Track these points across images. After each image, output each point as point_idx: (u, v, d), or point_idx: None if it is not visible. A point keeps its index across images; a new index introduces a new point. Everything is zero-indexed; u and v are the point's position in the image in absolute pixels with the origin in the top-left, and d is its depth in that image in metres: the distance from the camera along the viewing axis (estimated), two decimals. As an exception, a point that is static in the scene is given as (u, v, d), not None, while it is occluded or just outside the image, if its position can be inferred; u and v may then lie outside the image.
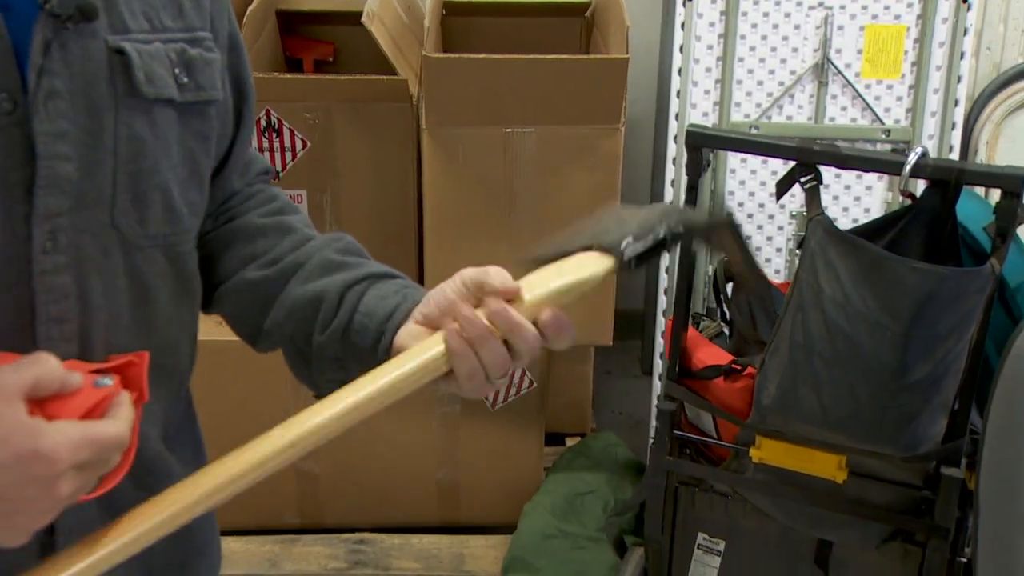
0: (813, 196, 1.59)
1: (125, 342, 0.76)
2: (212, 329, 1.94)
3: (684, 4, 2.53)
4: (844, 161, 1.56)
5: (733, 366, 1.72)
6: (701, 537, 1.97)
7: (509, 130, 1.78)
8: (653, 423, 1.77)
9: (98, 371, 0.70)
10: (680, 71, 2.55)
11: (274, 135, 1.97)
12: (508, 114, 1.76)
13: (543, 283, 0.77)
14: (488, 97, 1.74)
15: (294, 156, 2.00)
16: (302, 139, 1.98)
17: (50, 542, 0.75)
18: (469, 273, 0.77)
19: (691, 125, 1.60)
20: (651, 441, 1.82)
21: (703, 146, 1.61)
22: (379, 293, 0.84)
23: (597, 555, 2.08)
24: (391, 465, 2.17)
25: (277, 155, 1.99)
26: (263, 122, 1.96)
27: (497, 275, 0.75)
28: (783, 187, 1.63)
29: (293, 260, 0.87)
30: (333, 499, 2.20)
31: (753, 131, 2.54)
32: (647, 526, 1.90)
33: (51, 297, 0.71)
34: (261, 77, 1.92)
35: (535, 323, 0.76)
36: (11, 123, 0.67)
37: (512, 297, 0.75)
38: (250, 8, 1.94)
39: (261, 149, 1.99)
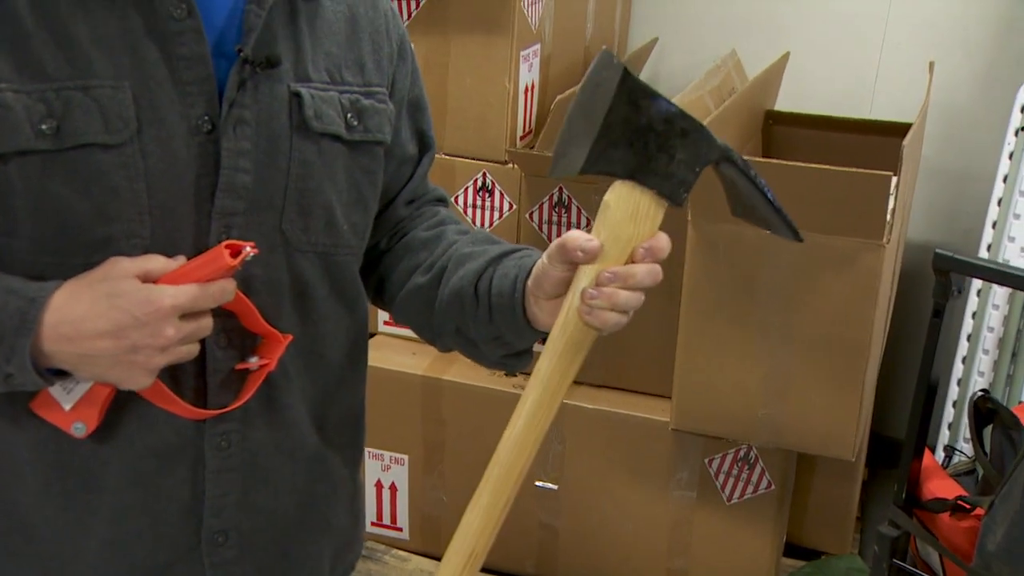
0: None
1: (284, 326, 0.94)
2: (484, 377, 2.21)
3: (1016, 134, 2.43)
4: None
5: (960, 503, 1.64)
6: None
7: (769, 232, 1.83)
8: (874, 548, 1.71)
9: None
10: (1000, 201, 2.44)
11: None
12: (769, 216, 1.82)
13: (622, 233, 0.86)
14: (751, 198, 1.81)
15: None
16: (587, 217, 2.16)
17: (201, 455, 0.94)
18: (551, 248, 0.88)
19: (938, 250, 1.57)
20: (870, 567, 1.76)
21: (951, 271, 1.58)
22: (502, 272, 0.97)
23: (809, 674, 2.02)
24: (626, 535, 2.25)
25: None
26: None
27: (577, 242, 0.85)
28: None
29: (442, 263, 1.03)
30: (569, 555, 2.32)
31: (1078, 273, 2.36)
32: (856, 654, 1.83)
33: None
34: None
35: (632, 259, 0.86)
36: (208, 140, 0.87)
37: (597, 254, 0.86)
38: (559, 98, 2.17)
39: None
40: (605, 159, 0.84)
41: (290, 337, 0.93)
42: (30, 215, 0.83)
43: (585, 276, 0.87)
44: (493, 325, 0.98)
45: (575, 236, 0.86)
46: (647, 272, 0.86)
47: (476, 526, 0.88)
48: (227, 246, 0.84)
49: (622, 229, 0.86)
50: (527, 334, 0.96)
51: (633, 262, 0.86)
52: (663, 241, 0.86)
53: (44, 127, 0.81)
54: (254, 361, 0.93)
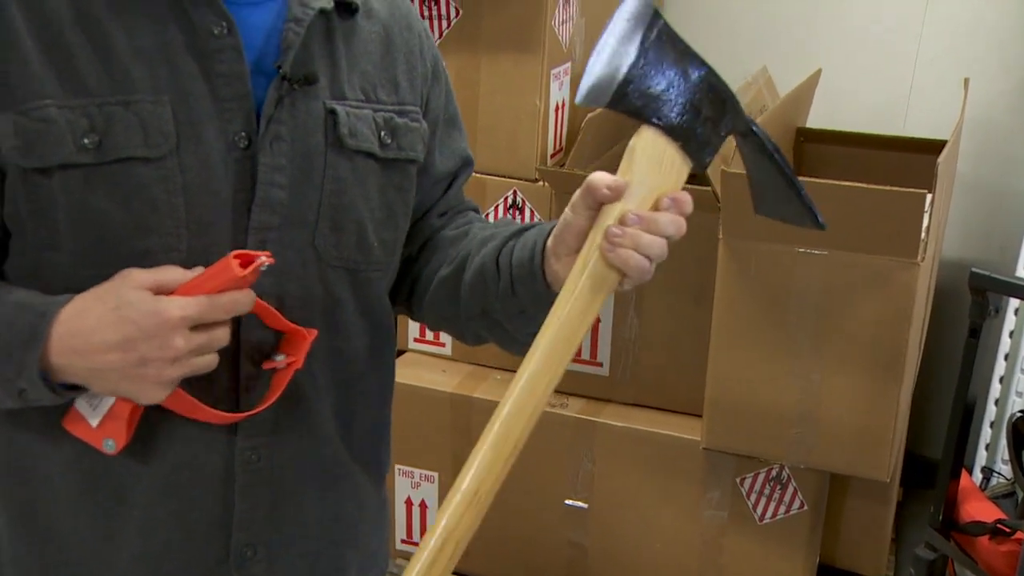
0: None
1: (315, 343, 0.93)
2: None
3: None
4: None
5: (999, 526, 1.61)
6: None
7: (801, 250, 1.82)
8: (909, 571, 1.69)
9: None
10: (1038, 219, 2.41)
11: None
12: (801, 234, 1.80)
13: (647, 179, 0.84)
14: (783, 216, 1.80)
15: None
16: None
17: (233, 441, 0.93)
18: (575, 196, 0.87)
19: (974, 269, 1.55)
20: (906, 589, 1.73)
21: (987, 290, 1.55)
22: (522, 244, 0.96)
23: None
24: (656, 554, 2.23)
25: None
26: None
27: (604, 179, 0.84)
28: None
29: (465, 252, 1.03)
30: (598, 575, 2.30)
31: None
32: None
33: (255, 291, 0.90)
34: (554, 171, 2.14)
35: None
36: (245, 156, 0.88)
37: (623, 191, 0.84)
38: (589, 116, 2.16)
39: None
40: (633, 99, 0.84)
41: (315, 332, 0.93)
42: (71, 228, 0.84)
43: (609, 216, 0.85)
44: (516, 298, 0.96)
45: (601, 175, 0.85)
46: (671, 220, 0.84)
47: (484, 464, 0.82)
48: (236, 256, 0.83)
49: (647, 174, 0.85)
50: (549, 302, 0.92)
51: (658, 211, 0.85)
52: (688, 197, 0.85)
53: (86, 141, 0.82)
54: (280, 359, 0.92)
